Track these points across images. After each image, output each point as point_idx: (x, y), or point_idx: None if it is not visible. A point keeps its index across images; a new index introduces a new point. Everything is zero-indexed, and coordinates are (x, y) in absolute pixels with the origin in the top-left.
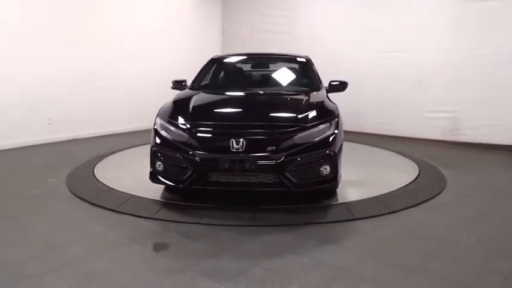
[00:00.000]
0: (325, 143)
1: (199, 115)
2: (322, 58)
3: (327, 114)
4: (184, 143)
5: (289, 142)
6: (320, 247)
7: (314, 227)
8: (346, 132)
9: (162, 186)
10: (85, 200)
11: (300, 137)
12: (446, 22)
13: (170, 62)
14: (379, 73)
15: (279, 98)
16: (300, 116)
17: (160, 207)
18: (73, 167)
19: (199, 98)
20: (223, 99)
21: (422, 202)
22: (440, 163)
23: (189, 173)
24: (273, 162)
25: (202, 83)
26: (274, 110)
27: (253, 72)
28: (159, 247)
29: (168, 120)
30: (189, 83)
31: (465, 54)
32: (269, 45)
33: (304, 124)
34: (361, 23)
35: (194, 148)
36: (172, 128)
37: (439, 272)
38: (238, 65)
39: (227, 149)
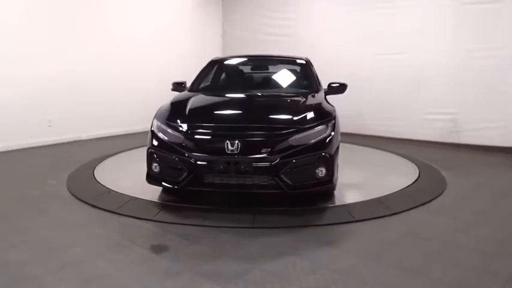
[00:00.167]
0: (321, 145)
1: (196, 117)
2: (322, 60)
3: (324, 116)
4: (180, 145)
5: (284, 144)
6: (320, 249)
7: (314, 229)
8: (346, 134)
9: (162, 188)
10: (85, 202)
11: (295, 139)
12: (445, 24)
13: (171, 64)
14: (379, 75)
15: (276, 100)
16: (295, 118)
17: (160, 209)
18: (73, 169)
19: (196, 100)
20: (221, 101)
21: (423, 204)
22: (441, 165)
23: (185, 174)
24: (268, 164)
25: (201, 85)
26: (270, 112)
27: (252, 74)
28: (158, 249)
29: (165, 122)
30: (188, 84)
31: (465, 56)
32: (269, 48)
33: (299, 126)
34: (361, 25)
35: (190, 150)
36: (168, 129)
37: (440, 274)
38: (238, 67)
39: (222, 151)
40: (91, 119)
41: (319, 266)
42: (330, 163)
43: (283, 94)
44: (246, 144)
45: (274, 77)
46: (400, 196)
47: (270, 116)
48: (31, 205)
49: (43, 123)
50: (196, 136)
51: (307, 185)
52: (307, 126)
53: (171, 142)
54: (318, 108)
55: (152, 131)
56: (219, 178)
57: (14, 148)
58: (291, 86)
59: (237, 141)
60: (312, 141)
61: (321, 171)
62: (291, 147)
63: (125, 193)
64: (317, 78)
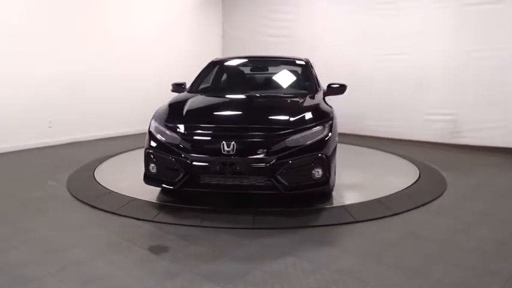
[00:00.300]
0: (317, 146)
1: (192, 118)
2: (322, 61)
3: (321, 117)
4: (177, 146)
5: (280, 145)
6: (320, 250)
7: (314, 230)
8: (346, 134)
9: (161, 189)
10: (85, 203)
11: (292, 139)
12: (446, 25)
13: (171, 64)
14: (379, 76)
15: (274, 101)
16: (292, 119)
17: (160, 210)
18: (73, 170)
19: (194, 101)
20: (218, 102)
21: (423, 204)
22: (441, 166)
23: (181, 175)
24: (264, 164)
25: (201, 86)
26: (267, 113)
27: (251, 75)
28: (158, 250)
29: (163, 123)
30: (188, 85)
31: (465, 57)
32: (270, 49)
33: (296, 127)
34: (361, 25)
35: (186, 151)
36: (165, 130)
37: (440, 274)
38: (237, 68)
39: (218, 152)
40: (91, 120)
41: (319, 266)
42: (327, 164)
43: (282, 95)
44: (242, 145)
45: (273, 78)
46: (400, 197)
47: (267, 117)
48: (31, 206)
49: (43, 124)
50: (193, 137)
51: (303, 186)
52: (304, 127)
53: (168, 143)
54: (315, 109)
55: (150, 132)
56: (216, 179)
57: (14, 149)
58: (289, 86)
59: (233, 142)
60: (309, 142)
61: (318, 172)
62: (288, 148)
63: (125, 194)
64: (316, 79)
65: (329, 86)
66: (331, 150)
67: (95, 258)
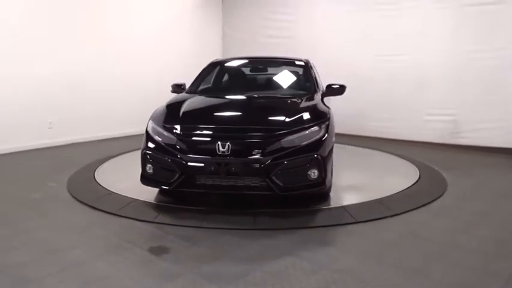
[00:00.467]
0: (313, 146)
1: (189, 119)
2: (322, 61)
3: (317, 118)
4: (173, 146)
5: (275, 145)
6: (321, 250)
7: (314, 230)
8: (346, 135)
9: (160, 190)
10: (85, 204)
11: (287, 140)
12: (446, 25)
13: (171, 64)
14: (379, 76)
15: (270, 102)
16: (287, 120)
17: (160, 211)
18: (74, 171)
19: (191, 102)
20: (215, 103)
21: (424, 205)
22: (441, 166)
23: (177, 175)
24: (259, 165)
25: (200, 87)
26: (263, 114)
27: (250, 76)
28: (159, 251)
29: (159, 124)
30: (188, 86)
31: (465, 57)
32: (270, 50)
33: (291, 128)
34: (361, 26)
35: (182, 151)
36: (162, 131)
37: (440, 274)
38: (236, 69)
39: (213, 152)
40: (91, 121)
41: (320, 266)
42: (323, 165)
43: (279, 96)
44: (237, 146)
45: (272, 78)
46: (400, 197)
47: (263, 118)
48: (32, 207)
49: (43, 125)
50: (188, 138)
51: (299, 187)
52: (300, 127)
53: (165, 143)
54: (312, 110)
55: (147, 133)
56: (211, 179)
57: (15, 150)
58: (288, 87)
59: (228, 143)
60: (305, 142)
61: (313, 173)
62: (283, 148)
63: (126, 195)
64: (315, 79)
65: (328, 86)
66: (327, 150)
67: (95, 259)
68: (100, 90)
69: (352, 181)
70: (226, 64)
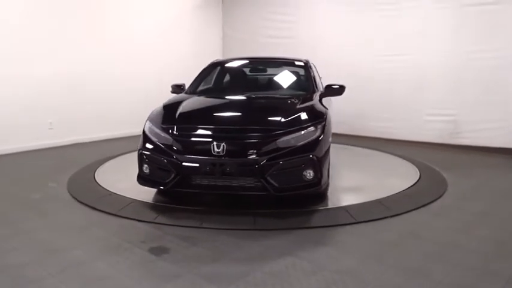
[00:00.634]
0: (309, 147)
1: (185, 119)
2: (323, 62)
3: (314, 119)
4: (169, 146)
5: (271, 146)
6: (321, 251)
7: (314, 231)
8: (346, 135)
9: (157, 190)
10: (86, 205)
11: (282, 141)
12: (446, 25)
13: (171, 64)
14: (380, 76)
15: (267, 102)
16: (283, 120)
17: (160, 212)
18: (74, 172)
19: (188, 103)
20: (212, 104)
21: (424, 205)
22: (441, 166)
23: (172, 175)
24: (254, 166)
25: (198, 88)
26: (259, 114)
27: (249, 77)
28: (159, 251)
29: (156, 124)
30: (187, 86)
31: (465, 57)
32: (270, 50)
33: (287, 128)
34: (362, 26)
35: (178, 151)
36: (159, 131)
37: (440, 274)
38: (236, 70)
39: (208, 153)
40: (91, 121)
41: (320, 267)
42: (318, 165)
43: (277, 96)
44: (232, 146)
45: (271, 79)
46: (400, 197)
47: (258, 118)
48: (32, 207)
49: (43, 125)
50: (184, 138)
51: (294, 187)
52: (295, 128)
53: (161, 144)
54: (308, 110)
55: (144, 133)
56: (206, 180)
57: (15, 151)
58: (287, 87)
59: (223, 143)
60: (300, 143)
61: (309, 174)
62: (278, 149)
63: (126, 195)
64: (314, 80)
65: (327, 86)
66: (323, 151)
67: (95, 259)
68: (100, 90)
69: (352, 181)
70: (227, 65)
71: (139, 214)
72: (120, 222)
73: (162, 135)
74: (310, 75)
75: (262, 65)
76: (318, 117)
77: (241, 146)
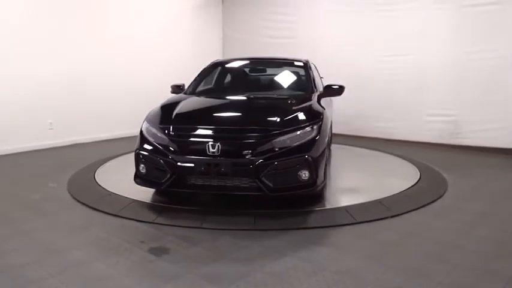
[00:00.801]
0: (304, 147)
1: (181, 120)
2: (323, 62)
3: (310, 119)
4: (165, 147)
5: (266, 146)
6: (321, 251)
7: (315, 231)
8: (346, 135)
9: (156, 190)
10: (86, 205)
11: (278, 141)
12: (446, 25)
13: (171, 64)
14: (379, 76)
15: (264, 103)
16: (279, 120)
17: (160, 212)
18: (74, 172)
19: (185, 103)
20: (209, 104)
21: (424, 205)
22: (441, 166)
23: (168, 175)
24: (248, 166)
25: (197, 88)
26: (255, 114)
27: (248, 77)
28: (159, 251)
29: (153, 124)
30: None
31: (465, 58)
32: (270, 50)
33: (283, 128)
34: (362, 26)
35: (173, 152)
36: (155, 131)
37: (441, 275)
38: (235, 70)
39: (204, 153)
40: (91, 121)
41: (320, 267)
42: (314, 166)
43: (274, 96)
44: (227, 146)
45: (269, 79)
46: (400, 198)
47: (254, 118)
48: (32, 208)
49: (44, 125)
50: (180, 138)
51: (289, 188)
52: (291, 128)
53: (157, 144)
54: (305, 111)
55: (141, 133)
56: (201, 180)
57: (15, 151)
58: (285, 88)
59: (218, 143)
60: (296, 143)
61: (304, 174)
62: (274, 149)
63: (126, 196)
64: (313, 80)
65: (327, 87)
66: (319, 151)
67: (95, 260)
68: (100, 90)
69: (352, 181)
70: (226, 66)
71: (139, 214)
72: (120, 223)
73: (159, 135)
74: (310, 76)
75: (261, 65)
76: (315, 118)
77: (236, 146)
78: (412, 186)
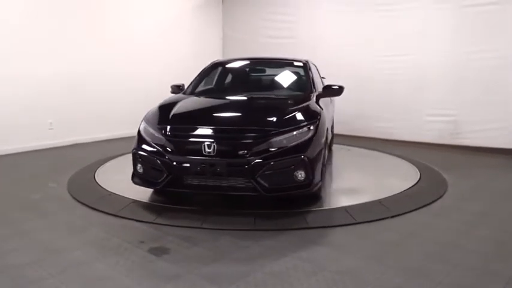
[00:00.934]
0: (301, 148)
1: (178, 120)
2: (323, 62)
3: (307, 119)
4: (162, 146)
5: (262, 146)
6: (321, 251)
7: (315, 231)
8: (346, 136)
9: (154, 190)
10: (86, 205)
11: (274, 141)
12: (446, 25)
13: (171, 64)
14: (379, 76)
15: (261, 103)
16: (275, 121)
17: (160, 212)
18: (74, 172)
19: (183, 103)
20: (207, 105)
21: (424, 205)
22: (441, 167)
23: (165, 175)
24: (244, 166)
25: (196, 88)
26: (251, 115)
27: (247, 77)
28: (159, 252)
29: (151, 124)
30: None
31: (465, 57)
32: (270, 50)
33: (279, 128)
34: (362, 27)
35: (170, 152)
36: (153, 131)
37: (441, 275)
38: (235, 71)
39: (200, 153)
40: (91, 121)
41: (320, 267)
42: (309, 166)
43: (272, 96)
44: (223, 146)
45: (269, 79)
46: (401, 198)
47: (250, 119)
48: (32, 208)
49: (44, 125)
50: (176, 138)
51: (285, 188)
52: (287, 128)
53: (154, 144)
54: (302, 111)
55: (139, 133)
56: (197, 180)
57: (15, 151)
58: (284, 88)
59: (214, 144)
60: (292, 143)
61: (300, 175)
62: (269, 149)
63: (126, 196)
64: (312, 80)
65: (326, 87)
66: (315, 152)
67: (95, 260)
68: (100, 90)
69: (353, 182)
70: (226, 66)
71: (139, 214)
72: (120, 223)
73: (156, 135)
74: (309, 76)
75: (261, 65)
76: (312, 118)
77: (232, 146)
78: (412, 186)
